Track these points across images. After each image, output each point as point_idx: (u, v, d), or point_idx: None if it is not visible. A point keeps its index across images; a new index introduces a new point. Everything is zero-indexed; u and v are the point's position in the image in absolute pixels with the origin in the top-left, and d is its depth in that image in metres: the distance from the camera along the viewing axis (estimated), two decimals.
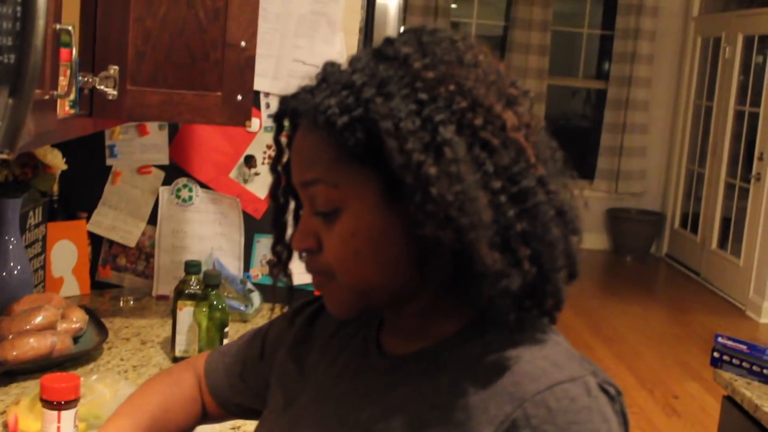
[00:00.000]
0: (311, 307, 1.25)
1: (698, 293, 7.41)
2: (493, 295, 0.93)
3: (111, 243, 2.69)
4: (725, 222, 7.58)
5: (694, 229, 8.10)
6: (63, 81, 1.64)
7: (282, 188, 1.10)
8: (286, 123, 1.05)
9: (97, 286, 2.69)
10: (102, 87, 1.87)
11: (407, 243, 0.97)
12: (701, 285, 7.63)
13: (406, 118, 0.92)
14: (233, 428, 1.81)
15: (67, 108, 1.75)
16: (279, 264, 1.13)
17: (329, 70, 1.00)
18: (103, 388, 1.76)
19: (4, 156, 1.07)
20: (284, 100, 1.03)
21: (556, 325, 1.04)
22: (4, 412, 1.78)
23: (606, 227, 8.66)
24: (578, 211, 1.01)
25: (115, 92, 1.88)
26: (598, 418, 0.92)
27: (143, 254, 2.68)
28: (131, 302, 2.59)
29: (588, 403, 0.92)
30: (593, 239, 8.54)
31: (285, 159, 1.08)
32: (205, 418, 1.36)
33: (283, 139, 1.07)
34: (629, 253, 8.47)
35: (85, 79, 1.84)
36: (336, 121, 0.94)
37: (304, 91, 1.00)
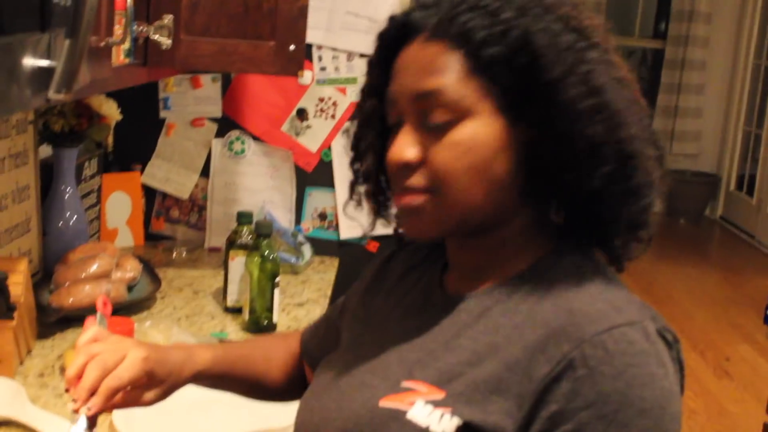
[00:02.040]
0: (382, 256, 1.28)
1: (753, 256, 7.31)
2: (638, 211, 1.00)
3: (164, 195, 2.72)
4: None
5: (750, 192, 7.97)
6: (118, 29, 1.65)
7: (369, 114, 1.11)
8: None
9: (151, 237, 2.72)
10: (156, 36, 1.88)
11: (516, 166, 0.99)
12: (756, 248, 7.52)
13: (561, 35, 0.97)
14: None
15: (122, 57, 1.76)
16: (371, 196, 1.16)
17: None
18: (157, 334, 1.79)
19: (61, 96, 1.08)
20: (395, 17, 1.06)
21: None
22: (61, 356, 1.81)
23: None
24: None
25: (169, 42, 1.89)
26: (655, 362, 0.92)
27: (196, 206, 2.71)
28: (184, 254, 2.62)
29: (646, 347, 0.92)
30: None
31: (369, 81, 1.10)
32: (304, 383, 1.38)
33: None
34: (683, 215, 8.36)
35: (140, 28, 1.85)
36: (476, 34, 0.97)
37: (422, 7, 1.03)
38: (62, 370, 1.76)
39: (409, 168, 1.01)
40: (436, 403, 0.97)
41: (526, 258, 1.04)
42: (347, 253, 2.66)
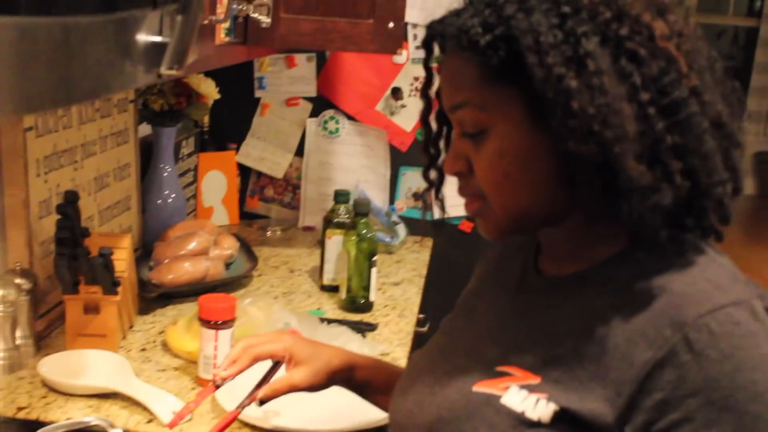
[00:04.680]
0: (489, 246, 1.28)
1: None
2: (642, 212, 0.90)
3: (259, 174, 2.73)
4: None
5: None
6: (220, 8, 1.65)
7: (435, 114, 1.11)
8: (436, 49, 1.05)
9: (245, 216, 2.75)
10: (256, 15, 1.88)
11: (555, 161, 0.95)
12: None
13: (547, 32, 0.90)
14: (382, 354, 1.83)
15: (222, 35, 1.76)
16: (431, 188, 1.15)
17: None
18: (257, 311, 1.79)
19: (173, 72, 1.08)
20: (431, 25, 1.02)
21: None
22: (163, 331, 1.83)
23: (754, 171, 8.35)
24: (740, 122, 0.98)
25: (268, 20, 1.88)
26: (766, 343, 0.88)
27: (290, 186, 2.72)
28: (278, 232, 2.63)
29: (754, 327, 0.88)
30: None
31: (436, 85, 1.08)
32: None
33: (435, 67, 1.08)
34: None
35: (240, 7, 1.85)
36: (479, 41, 0.93)
37: (451, 15, 0.99)
38: (164, 345, 1.78)
39: (460, 176, 1.02)
40: (531, 388, 0.94)
41: (619, 239, 0.99)
42: (441, 233, 2.63)
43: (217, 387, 1.30)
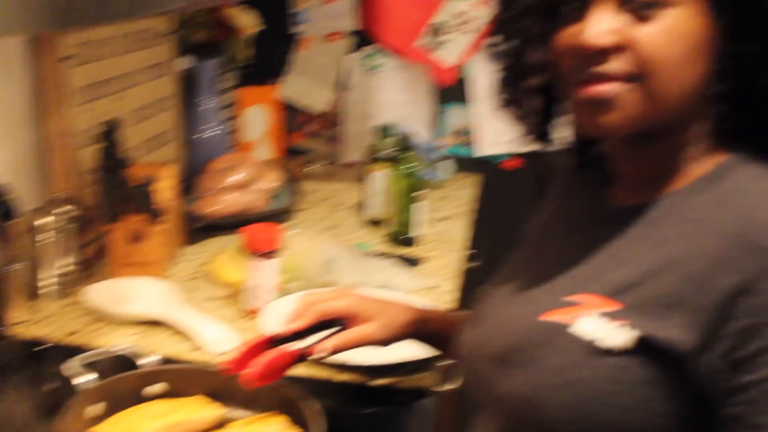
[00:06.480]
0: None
1: None
2: None
3: (301, 110, 2.70)
4: None
5: None
6: None
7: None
8: None
9: (288, 151, 2.72)
10: None
11: (709, 67, 0.93)
12: None
13: None
14: None
15: None
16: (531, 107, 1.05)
17: None
18: (303, 242, 1.77)
19: None
20: None
21: None
22: (207, 262, 1.82)
23: None
24: None
25: None
26: None
27: (332, 121, 2.69)
28: (321, 167, 2.62)
29: None
30: None
31: None
32: None
33: None
34: None
35: None
36: None
37: None
38: (209, 275, 1.77)
39: (604, 53, 0.92)
40: (613, 315, 0.91)
41: (702, 166, 0.97)
42: (484, 169, 2.61)
43: (277, 342, 1.19)
